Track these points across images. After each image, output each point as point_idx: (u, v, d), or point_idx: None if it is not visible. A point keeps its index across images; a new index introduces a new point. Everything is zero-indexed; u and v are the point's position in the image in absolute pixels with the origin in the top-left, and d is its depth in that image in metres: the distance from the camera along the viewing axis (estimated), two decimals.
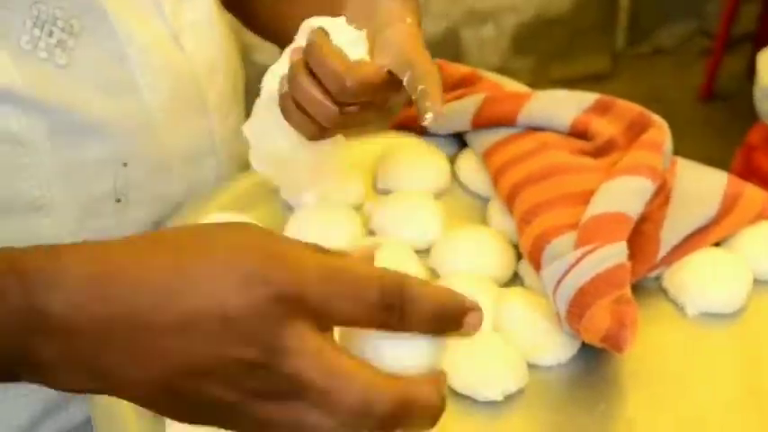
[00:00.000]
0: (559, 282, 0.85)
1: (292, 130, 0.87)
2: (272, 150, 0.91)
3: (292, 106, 0.85)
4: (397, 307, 0.55)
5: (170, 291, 0.53)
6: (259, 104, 0.90)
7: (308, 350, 0.53)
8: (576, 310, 0.84)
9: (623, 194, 0.92)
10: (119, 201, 0.95)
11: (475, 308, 0.59)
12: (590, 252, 0.86)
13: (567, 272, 0.85)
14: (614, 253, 0.86)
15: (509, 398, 0.83)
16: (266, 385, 0.53)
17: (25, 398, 0.97)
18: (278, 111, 0.87)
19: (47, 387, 0.59)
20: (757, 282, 0.94)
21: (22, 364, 0.57)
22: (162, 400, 0.56)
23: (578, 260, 0.86)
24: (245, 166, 1.04)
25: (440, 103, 0.82)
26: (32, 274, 0.56)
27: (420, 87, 0.82)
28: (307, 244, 0.56)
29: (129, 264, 0.55)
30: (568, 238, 0.89)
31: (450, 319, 0.58)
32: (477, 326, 0.59)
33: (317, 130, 0.86)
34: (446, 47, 2.97)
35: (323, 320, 0.54)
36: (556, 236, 0.90)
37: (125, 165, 0.94)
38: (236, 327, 0.52)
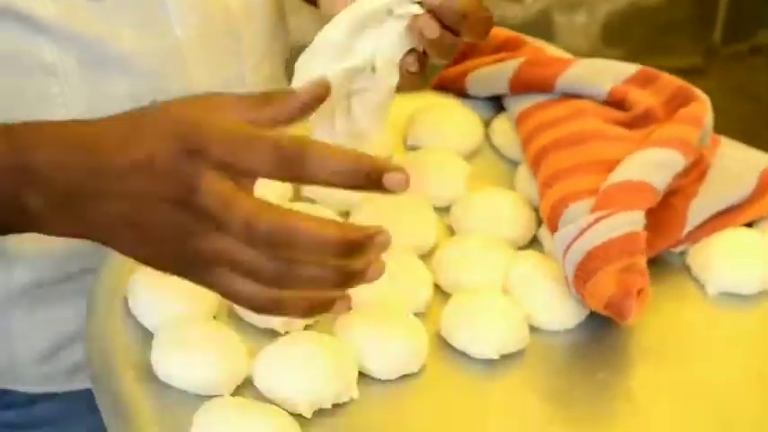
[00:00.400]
0: (570, 245, 0.83)
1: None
2: None
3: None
4: (297, 160, 0.65)
5: (121, 143, 0.69)
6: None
7: (212, 189, 0.66)
8: (583, 274, 0.81)
9: (650, 165, 0.88)
10: None
11: (396, 169, 0.66)
12: (604, 217, 0.83)
13: (578, 235, 0.83)
14: (630, 220, 0.83)
15: (506, 358, 0.81)
16: (189, 219, 0.67)
17: (47, 325, 0.99)
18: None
19: (38, 233, 0.74)
20: None
21: (15, 216, 0.73)
22: (126, 238, 0.71)
23: (591, 224, 0.83)
24: None
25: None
26: (19, 135, 0.72)
27: None
28: (237, 117, 0.69)
29: (92, 128, 0.72)
30: (587, 203, 0.86)
31: (360, 174, 0.66)
32: (400, 185, 0.66)
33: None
34: (537, 31, 2.92)
35: (228, 170, 0.66)
36: (574, 201, 0.87)
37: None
38: (163, 171, 0.67)
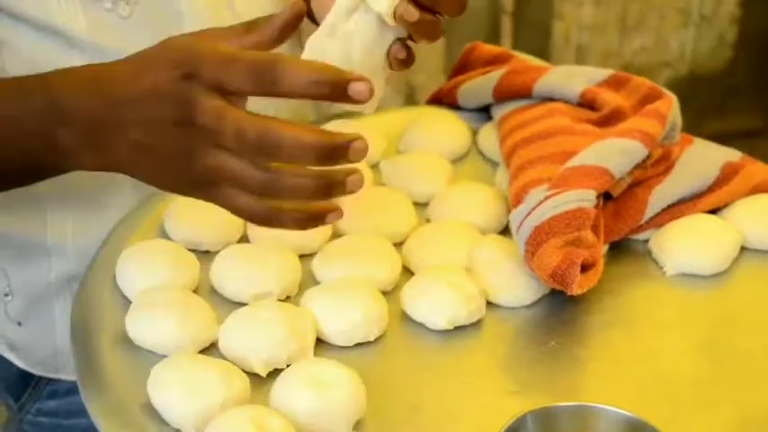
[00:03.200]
0: (522, 222, 0.82)
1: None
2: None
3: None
4: (269, 73, 0.69)
5: (131, 77, 0.74)
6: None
7: (207, 107, 0.70)
8: (531, 248, 0.80)
9: (608, 152, 0.87)
10: None
11: (360, 78, 0.69)
12: (553, 195, 0.82)
13: (529, 213, 0.82)
14: (579, 197, 0.82)
15: (462, 329, 0.80)
16: (192, 139, 0.71)
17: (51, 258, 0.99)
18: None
19: (69, 171, 0.81)
20: (747, 249, 0.88)
21: (50, 155, 0.78)
22: (143, 165, 0.76)
23: (541, 202, 0.82)
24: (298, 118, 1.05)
25: None
26: (49, 80, 0.78)
27: None
28: (226, 44, 0.74)
29: (107, 67, 0.77)
30: (545, 187, 0.85)
31: (327, 84, 0.69)
32: (363, 94, 0.69)
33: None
34: None
35: (220, 89, 0.70)
36: (534, 186, 0.86)
37: None
38: (166, 96, 0.72)
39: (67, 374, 1.02)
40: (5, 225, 0.98)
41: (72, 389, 1.03)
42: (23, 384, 1.05)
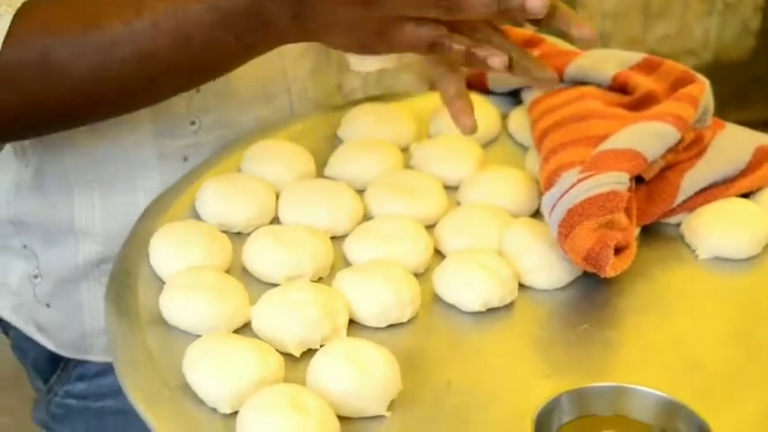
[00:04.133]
0: (554, 205, 0.82)
1: None
2: None
3: None
4: None
5: None
6: None
7: None
8: (565, 230, 0.80)
9: (641, 136, 0.87)
10: (193, 123, 0.97)
11: None
12: (586, 178, 0.82)
13: (562, 195, 0.82)
14: (611, 180, 0.81)
15: (495, 311, 0.80)
16: None
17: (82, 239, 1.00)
18: None
19: (269, 47, 0.85)
20: None
21: (260, 31, 0.82)
22: (335, 33, 0.81)
23: (574, 185, 0.82)
24: (319, 107, 1.05)
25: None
26: None
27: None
28: None
29: None
30: (578, 170, 0.85)
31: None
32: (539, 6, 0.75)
33: None
34: None
35: None
36: (567, 169, 0.86)
37: (198, 90, 0.96)
38: None
39: (96, 356, 1.03)
40: (34, 209, 0.98)
41: (100, 371, 1.04)
42: (52, 366, 1.06)
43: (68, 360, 1.04)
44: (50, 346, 1.04)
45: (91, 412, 1.05)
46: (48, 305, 1.01)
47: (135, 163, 0.96)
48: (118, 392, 1.02)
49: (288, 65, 1.03)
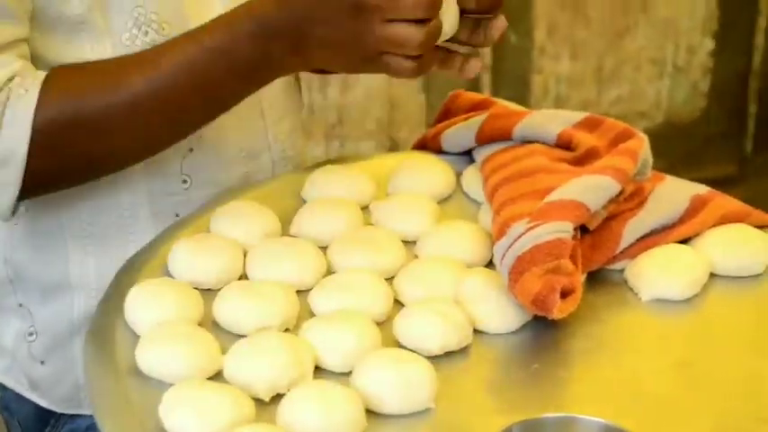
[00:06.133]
0: (505, 253, 0.87)
1: None
2: None
3: None
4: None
5: None
6: None
7: None
8: (514, 276, 0.85)
9: (584, 188, 0.93)
10: (185, 182, 1.03)
11: None
12: (534, 227, 0.87)
13: (511, 244, 0.87)
14: (557, 229, 0.87)
15: (452, 354, 0.85)
16: (365, 20, 0.87)
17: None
18: None
19: (272, 79, 0.95)
20: (715, 276, 0.93)
21: (264, 67, 0.93)
22: (328, 57, 0.92)
23: (522, 234, 0.87)
24: (297, 166, 1.13)
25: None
26: (251, 5, 0.91)
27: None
28: None
29: None
30: (526, 221, 0.90)
31: None
32: None
33: None
34: None
35: None
36: (516, 221, 0.92)
37: (191, 150, 1.02)
38: None
39: (89, 410, 1.05)
40: (29, 266, 1.03)
41: (92, 425, 1.06)
42: (42, 425, 1.09)
43: (59, 416, 1.08)
44: (43, 402, 1.07)
45: None
46: (42, 362, 1.05)
47: (129, 220, 1.01)
48: None
49: (269, 125, 1.09)
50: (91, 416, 1.04)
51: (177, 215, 1.03)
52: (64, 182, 0.97)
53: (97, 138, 0.91)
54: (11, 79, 0.89)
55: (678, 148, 3.06)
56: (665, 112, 3.01)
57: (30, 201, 0.99)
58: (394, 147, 2.65)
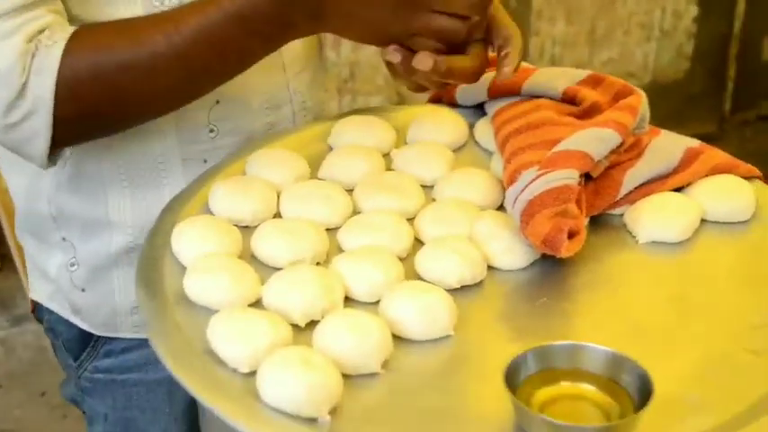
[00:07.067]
0: (516, 198, 0.90)
1: None
2: None
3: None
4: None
5: None
6: None
7: None
8: (526, 218, 0.88)
9: (588, 139, 0.95)
10: (212, 131, 1.04)
11: None
12: (543, 174, 0.90)
13: (523, 189, 0.90)
14: (564, 176, 0.90)
15: (467, 288, 0.88)
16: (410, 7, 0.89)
17: None
18: None
19: (292, 39, 0.94)
20: (706, 222, 0.96)
21: (284, 31, 0.92)
22: (354, 29, 0.93)
23: (533, 180, 0.90)
24: (317, 116, 1.14)
25: (514, 64, 0.97)
26: None
27: (504, 51, 0.97)
28: None
29: None
30: (535, 169, 0.93)
31: None
32: None
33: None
34: None
35: None
36: (526, 169, 0.94)
37: (217, 102, 1.04)
38: None
39: (124, 333, 1.10)
40: (73, 205, 1.05)
41: (126, 348, 1.11)
42: (82, 345, 1.12)
43: (98, 338, 1.11)
44: (84, 326, 1.10)
45: (117, 385, 1.12)
46: (83, 290, 1.08)
47: (162, 165, 1.04)
48: (141, 366, 1.11)
49: (290, 78, 1.11)
50: (126, 339, 1.10)
51: (205, 161, 1.05)
52: (91, 131, 0.97)
53: (118, 91, 0.92)
54: (41, 32, 0.90)
55: (663, 107, 3.07)
56: (652, 73, 3.03)
57: (73, 148, 1.01)
58: (401, 101, 2.67)
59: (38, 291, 1.15)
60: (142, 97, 0.94)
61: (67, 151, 0.98)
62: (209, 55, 0.92)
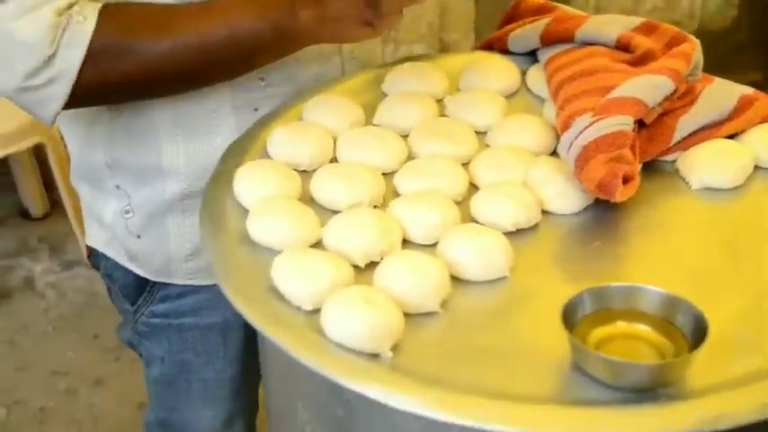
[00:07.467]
0: (572, 143, 0.91)
1: None
2: None
3: None
4: None
5: None
6: None
7: None
8: (581, 163, 0.89)
9: (642, 86, 0.96)
10: (262, 80, 1.06)
11: None
12: (598, 120, 0.91)
13: (578, 135, 0.91)
14: (618, 122, 0.91)
15: (523, 231, 0.89)
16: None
17: (193, 229, 1.09)
18: None
19: (300, 46, 1.00)
20: (759, 168, 0.97)
21: (290, 36, 0.98)
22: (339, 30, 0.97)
23: (587, 126, 0.91)
24: (363, 66, 1.15)
25: None
26: None
27: None
28: None
29: None
30: (589, 115, 0.94)
31: None
32: None
33: None
34: None
35: None
36: (580, 115, 0.95)
37: None
38: None
39: (178, 279, 1.13)
40: (127, 154, 1.08)
41: (181, 293, 1.14)
42: (139, 290, 1.15)
43: (154, 284, 1.14)
44: (140, 272, 1.13)
45: (172, 329, 1.16)
46: (138, 236, 1.11)
47: (214, 113, 1.06)
48: (196, 311, 1.14)
49: None
50: (181, 285, 1.12)
51: (256, 110, 1.07)
52: (106, 101, 1.02)
53: (140, 69, 0.95)
54: (70, 6, 0.93)
55: (709, 56, 3.05)
56: (699, 21, 3.00)
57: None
58: (444, 49, 2.67)
59: (94, 237, 1.18)
60: (162, 76, 0.97)
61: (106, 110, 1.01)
62: (230, 50, 0.97)
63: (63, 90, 0.94)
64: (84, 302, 2.36)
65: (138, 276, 1.14)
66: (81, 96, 0.96)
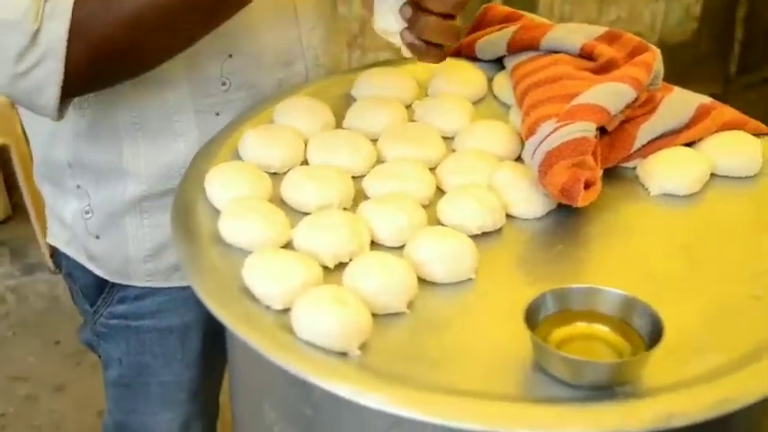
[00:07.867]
0: (536, 149, 0.94)
1: None
2: None
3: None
4: None
5: None
6: None
7: None
8: (544, 168, 0.92)
9: (605, 94, 0.99)
10: (224, 84, 1.07)
11: None
12: (561, 126, 0.94)
13: (542, 141, 0.94)
14: (582, 128, 0.93)
15: (487, 235, 0.92)
16: None
17: (152, 230, 1.11)
18: None
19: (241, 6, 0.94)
20: (715, 176, 1.00)
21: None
22: None
23: (551, 132, 0.94)
24: (328, 73, 1.17)
25: None
26: None
27: None
28: None
29: None
30: (553, 121, 0.96)
31: None
32: None
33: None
34: None
35: None
36: (544, 121, 0.98)
37: (230, 56, 1.07)
38: None
39: (137, 281, 1.13)
40: (89, 153, 1.08)
41: (140, 295, 1.14)
42: (98, 291, 1.16)
43: (113, 285, 1.14)
44: (99, 272, 1.14)
45: (130, 330, 1.16)
46: (97, 237, 1.12)
47: (175, 116, 1.06)
48: (154, 313, 1.15)
49: (303, 34, 1.13)
50: (139, 287, 1.13)
51: (218, 114, 1.08)
52: (102, 78, 0.98)
53: (125, 29, 0.92)
54: None
55: (669, 68, 3.10)
56: (660, 33, 3.05)
57: (90, 98, 1.04)
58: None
59: (56, 236, 1.19)
60: (151, 37, 0.94)
61: (85, 102, 1.00)
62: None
63: (55, 68, 0.91)
64: (46, 307, 2.34)
65: (97, 277, 1.15)
66: (74, 77, 0.93)
